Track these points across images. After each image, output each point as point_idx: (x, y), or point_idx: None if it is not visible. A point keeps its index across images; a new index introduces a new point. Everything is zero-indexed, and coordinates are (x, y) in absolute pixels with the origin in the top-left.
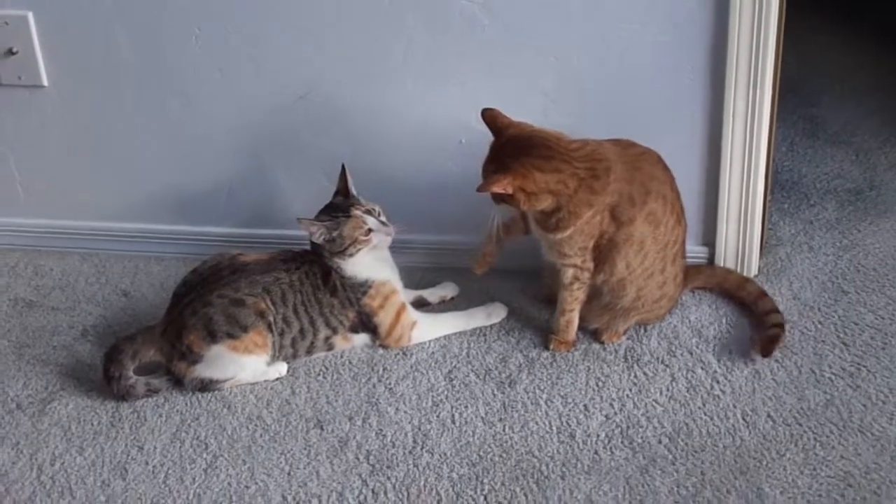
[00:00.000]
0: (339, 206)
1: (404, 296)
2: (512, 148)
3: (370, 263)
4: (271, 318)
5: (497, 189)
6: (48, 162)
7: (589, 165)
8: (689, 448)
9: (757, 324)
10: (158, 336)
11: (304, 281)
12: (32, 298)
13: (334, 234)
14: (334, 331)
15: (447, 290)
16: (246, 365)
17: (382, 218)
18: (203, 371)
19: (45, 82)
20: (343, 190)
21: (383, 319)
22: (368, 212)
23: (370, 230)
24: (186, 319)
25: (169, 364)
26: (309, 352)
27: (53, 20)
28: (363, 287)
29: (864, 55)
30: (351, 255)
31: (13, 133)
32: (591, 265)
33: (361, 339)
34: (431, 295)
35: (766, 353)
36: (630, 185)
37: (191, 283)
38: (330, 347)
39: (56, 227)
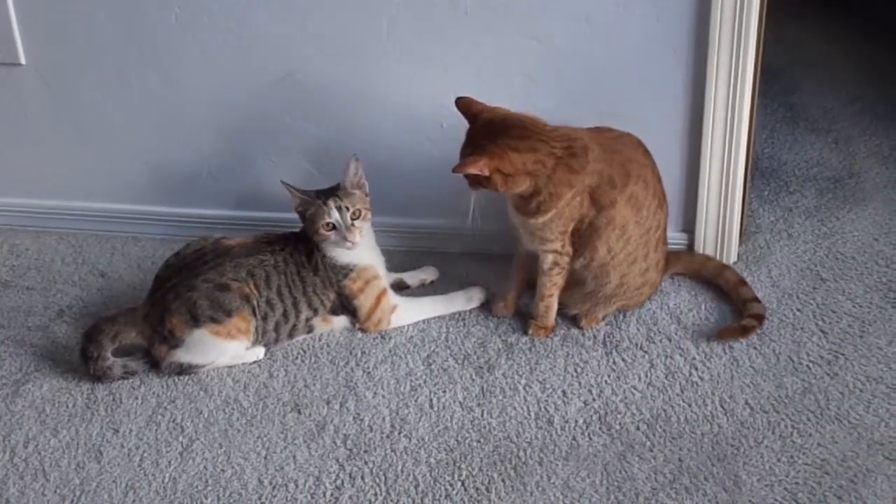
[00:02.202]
0: (327, 191)
1: (386, 280)
2: (487, 131)
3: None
4: (255, 302)
5: (473, 170)
6: (25, 141)
7: (566, 144)
8: (666, 435)
9: (738, 311)
10: (140, 319)
11: (289, 261)
12: (7, 278)
13: (307, 213)
14: (315, 311)
15: (427, 274)
16: (227, 350)
17: (353, 221)
18: (183, 356)
19: (23, 60)
20: (343, 178)
21: (363, 303)
22: (341, 209)
23: (331, 225)
24: (169, 303)
25: (150, 347)
26: (290, 335)
27: None
28: (344, 270)
29: (844, 43)
30: (317, 242)
31: None
32: (570, 250)
33: (341, 321)
34: (411, 278)
35: (724, 336)
36: (609, 166)
37: (174, 266)
38: (310, 330)
39: (33, 207)
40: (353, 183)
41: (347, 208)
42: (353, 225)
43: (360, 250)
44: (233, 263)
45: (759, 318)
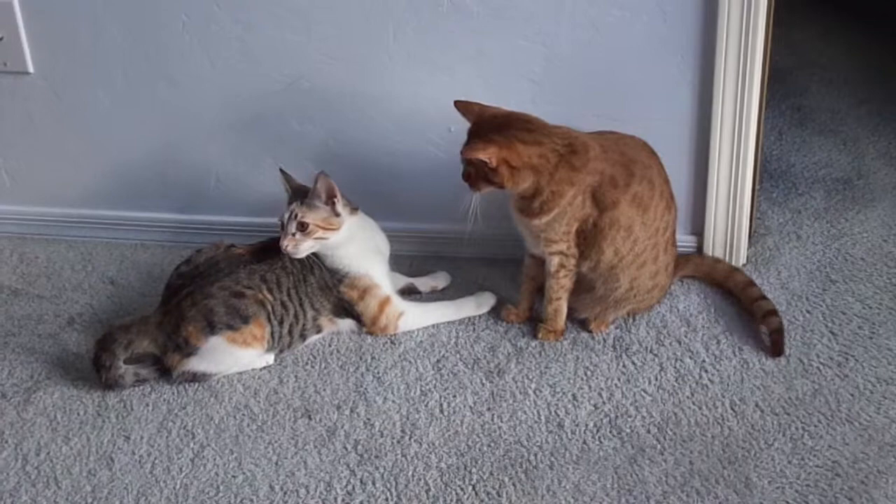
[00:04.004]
0: (303, 194)
1: (390, 287)
2: (493, 124)
3: (345, 253)
4: (270, 308)
5: (482, 156)
6: (34, 149)
7: (567, 142)
8: (677, 438)
9: (748, 313)
10: (153, 327)
11: (295, 261)
12: (18, 286)
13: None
14: (318, 312)
15: (439, 281)
16: (241, 358)
17: (296, 232)
18: (197, 364)
19: (31, 69)
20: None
21: (365, 310)
22: (293, 214)
23: (281, 224)
24: (185, 311)
25: (163, 356)
26: (302, 336)
27: (39, 6)
28: (337, 275)
29: (852, 45)
30: None
31: None
32: (575, 251)
33: (347, 323)
34: (423, 284)
35: (778, 351)
36: (611, 166)
37: (186, 274)
38: (319, 329)
39: (42, 215)
40: (321, 198)
41: (296, 216)
42: (293, 235)
43: (351, 258)
44: (247, 270)
45: (775, 314)
